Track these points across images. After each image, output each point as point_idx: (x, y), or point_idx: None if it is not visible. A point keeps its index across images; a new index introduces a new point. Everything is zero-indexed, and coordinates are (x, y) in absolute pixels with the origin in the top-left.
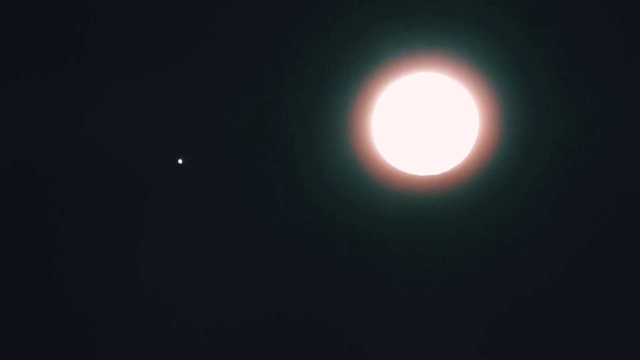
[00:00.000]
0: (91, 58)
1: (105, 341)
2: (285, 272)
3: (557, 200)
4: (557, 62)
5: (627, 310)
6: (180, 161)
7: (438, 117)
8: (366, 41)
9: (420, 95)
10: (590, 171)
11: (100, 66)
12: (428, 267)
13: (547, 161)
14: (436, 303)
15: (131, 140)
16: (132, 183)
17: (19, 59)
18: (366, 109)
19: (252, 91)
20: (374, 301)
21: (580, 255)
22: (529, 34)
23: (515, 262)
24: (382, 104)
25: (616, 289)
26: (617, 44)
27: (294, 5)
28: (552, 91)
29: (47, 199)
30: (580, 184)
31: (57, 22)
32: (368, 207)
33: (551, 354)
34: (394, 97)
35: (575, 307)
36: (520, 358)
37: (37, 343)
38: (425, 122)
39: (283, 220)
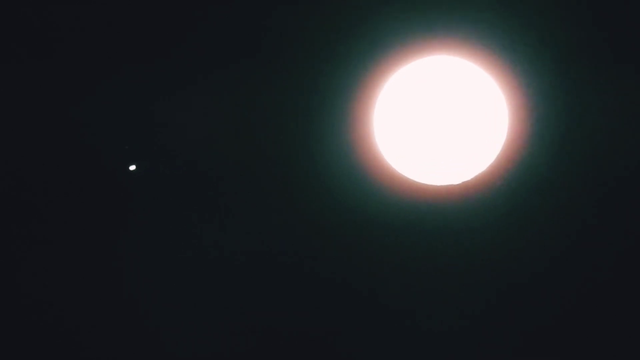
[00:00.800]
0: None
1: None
2: (283, 282)
3: (598, 210)
4: (596, 49)
5: None
6: (132, 167)
7: (458, 113)
8: (372, 22)
9: (435, 87)
10: (634, 175)
11: (89, 58)
12: (446, 288)
13: (585, 165)
14: (456, 332)
15: (120, 141)
16: (119, 186)
17: None
18: (369, 104)
19: (245, 80)
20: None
21: (622, 275)
22: (566, 15)
23: (546, 279)
24: (389, 98)
25: None
26: None
27: None
28: (593, 83)
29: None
30: (622, 192)
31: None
32: (376, 220)
33: None
34: (403, 90)
35: (616, 324)
36: None
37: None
38: (441, 119)
39: (280, 232)
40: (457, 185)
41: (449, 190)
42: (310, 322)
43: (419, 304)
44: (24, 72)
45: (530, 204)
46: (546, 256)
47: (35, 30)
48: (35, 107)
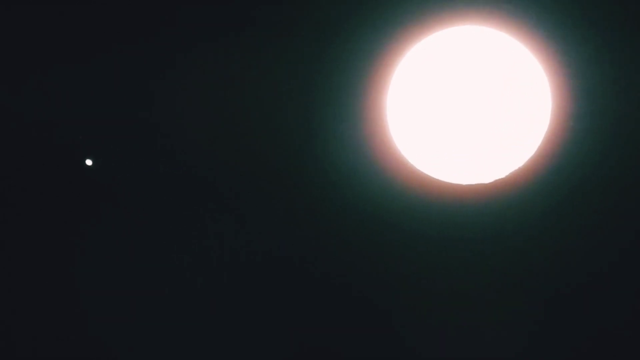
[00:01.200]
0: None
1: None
2: (286, 281)
3: None
4: None
5: None
6: (89, 162)
7: (489, 98)
8: None
9: (461, 65)
10: None
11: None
12: (473, 302)
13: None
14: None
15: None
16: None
17: None
18: (382, 88)
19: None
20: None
21: None
22: None
23: (595, 292)
24: (405, 81)
25: None
26: None
27: None
28: None
29: None
30: None
31: None
32: (393, 224)
33: None
34: (421, 70)
35: None
36: None
37: None
38: (467, 105)
39: (285, 231)
40: (489, 184)
41: (478, 191)
42: (322, 322)
43: (444, 317)
44: None
45: (575, 209)
46: (596, 265)
47: None
48: None
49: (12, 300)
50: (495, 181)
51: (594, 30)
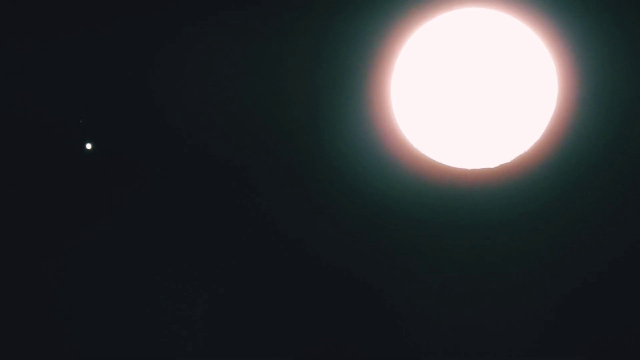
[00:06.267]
0: None
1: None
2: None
3: None
4: None
5: None
6: (89, 146)
7: (494, 81)
8: None
9: (466, 48)
10: None
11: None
12: (477, 287)
13: None
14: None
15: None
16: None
17: None
18: (386, 71)
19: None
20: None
21: None
22: None
23: (602, 281)
24: (409, 64)
25: None
26: None
27: None
28: None
29: None
30: None
31: None
32: (397, 209)
33: None
34: (426, 53)
35: None
36: None
37: None
38: (472, 89)
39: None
40: (494, 168)
41: (483, 175)
42: (327, 311)
43: (446, 301)
44: None
45: (580, 194)
46: (601, 255)
47: None
48: None
49: (9, 288)
50: (501, 165)
51: (601, 12)
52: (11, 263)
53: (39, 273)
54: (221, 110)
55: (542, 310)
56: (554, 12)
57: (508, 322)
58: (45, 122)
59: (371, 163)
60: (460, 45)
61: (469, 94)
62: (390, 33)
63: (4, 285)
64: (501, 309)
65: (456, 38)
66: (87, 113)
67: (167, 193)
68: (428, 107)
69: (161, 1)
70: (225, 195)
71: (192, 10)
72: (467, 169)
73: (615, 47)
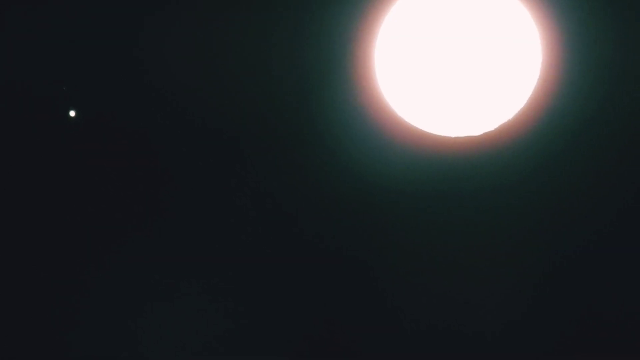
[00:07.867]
0: None
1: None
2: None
3: None
4: None
5: None
6: (72, 113)
7: (477, 49)
8: None
9: (450, 15)
10: None
11: None
12: (461, 253)
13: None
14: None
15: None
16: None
17: None
18: (369, 38)
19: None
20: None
21: None
22: None
23: (585, 249)
24: (393, 31)
25: None
26: None
27: None
28: None
29: None
30: None
31: None
32: (382, 179)
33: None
34: (410, 21)
35: None
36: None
37: None
38: (456, 57)
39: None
40: (478, 136)
41: (467, 143)
42: (316, 282)
43: (432, 270)
44: None
45: (563, 162)
46: (587, 223)
47: None
48: None
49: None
50: (485, 134)
51: None
52: None
53: (21, 247)
54: (207, 79)
55: (528, 278)
56: None
57: (491, 291)
58: (28, 90)
59: (356, 131)
60: (444, 13)
61: (453, 62)
62: (373, 2)
63: None
64: (484, 278)
65: (440, 6)
66: (70, 80)
67: (152, 161)
68: (412, 76)
69: None
70: (214, 167)
71: None
72: (451, 137)
73: (599, 14)
